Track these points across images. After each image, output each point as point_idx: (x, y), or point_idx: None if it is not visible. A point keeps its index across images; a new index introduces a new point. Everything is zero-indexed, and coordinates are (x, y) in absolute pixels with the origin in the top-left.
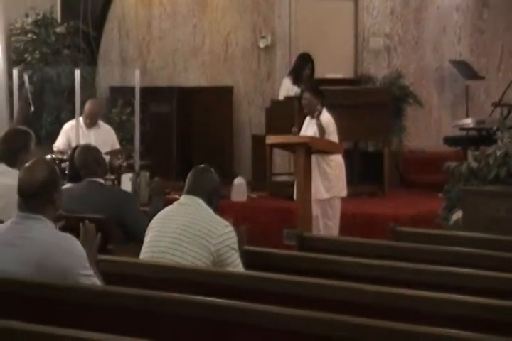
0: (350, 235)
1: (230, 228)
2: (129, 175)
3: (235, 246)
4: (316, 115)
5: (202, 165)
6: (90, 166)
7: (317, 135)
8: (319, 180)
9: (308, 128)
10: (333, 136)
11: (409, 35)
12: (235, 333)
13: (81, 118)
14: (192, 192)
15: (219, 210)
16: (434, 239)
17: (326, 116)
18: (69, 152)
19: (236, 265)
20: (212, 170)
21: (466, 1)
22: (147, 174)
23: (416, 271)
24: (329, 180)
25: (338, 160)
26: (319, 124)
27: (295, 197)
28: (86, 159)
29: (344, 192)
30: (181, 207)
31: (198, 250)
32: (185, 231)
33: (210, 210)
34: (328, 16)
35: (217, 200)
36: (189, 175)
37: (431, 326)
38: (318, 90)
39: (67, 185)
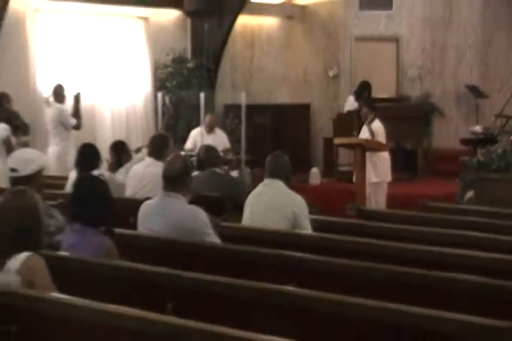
0: (394, 209)
1: (302, 200)
2: (236, 171)
3: (307, 213)
4: (367, 123)
5: (276, 152)
6: (211, 160)
7: (370, 137)
8: (371, 169)
9: (365, 133)
10: (381, 138)
11: (436, 67)
12: (311, 277)
13: (203, 127)
14: (272, 175)
15: (294, 187)
16: (453, 211)
17: (377, 124)
18: (196, 150)
19: (308, 228)
20: (285, 156)
21: (475, 43)
22: (248, 169)
23: (441, 234)
24: (377, 169)
25: (385, 155)
26: (370, 129)
27: (354, 181)
28: (209, 155)
29: (389, 178)
30: (266, 187)
31: (280, 218)
32: (270, 205)
33: (287, 188)
34: (378, 53)
35: (290, 179)
36: (267, 161)
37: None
38: (371, 105)
39: (195, 173)
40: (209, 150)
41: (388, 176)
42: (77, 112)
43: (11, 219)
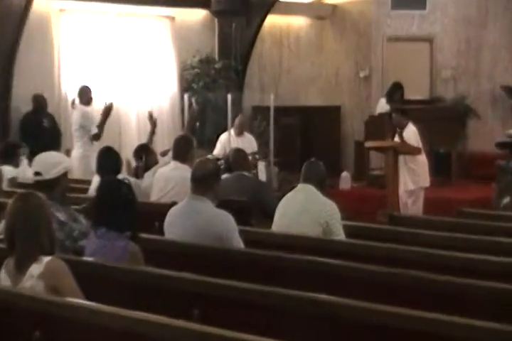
0: (428, 214)
1: (335, 206)
2: (264, 163)
3: (339, 219)
4: (398, 132)
5: (312, 159)
6: (240, 163)
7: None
8: (407, 175)
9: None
10: (416, 143)
11: (471, 67)
12: (341, 284)
13: (232, 129)
14: (306, 180)
15: (327, 193)
16: (489, 217)
17: (411, 129)
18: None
19: (340, 234)
20: (321, 163)
21: None
22: (276, 169)
23: (476, 241)
24: (415, 175)
25: (422, 159)
26: (400, 133)
27: (386, 185)
28: (238, 158)
29: (427, 183)
30: (298, 192)
31: (312, 224)
32: (302, 211)
33: (320, 194)
34: (411, 54)
35: (325, 186)
36: (303, 167)
37: (484, 280)
38: (403, 111)
39: (223, 176)
40: (238, 153)
41: (427, 181)
42: (102, 123)
43: (16, 222)
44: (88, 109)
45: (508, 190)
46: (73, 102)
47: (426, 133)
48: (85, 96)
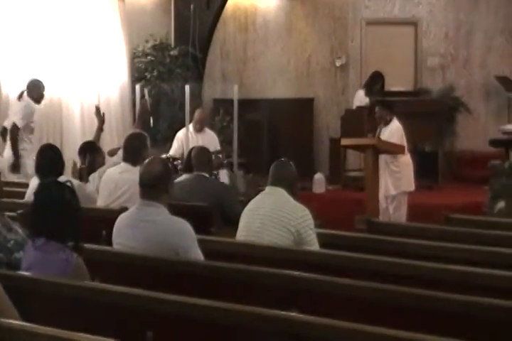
0: (411, 221)
1: (307, 212)
2: (225, 171)
3: (312, 227)
4: (383, 125)
5: (282, 159)
6: (203, 163)
7: (388, 140)
8: (388, 178)
9: (381, 135)
10: (400, 141)
11: (460, 55)
12: (314, 300)
13: (191, 125)
14: (275, 183)
15: (298, 197)
16: (481, 224)
17: (395, 125)
18: (185, 153)
19: (313, 243)
20: (291, 163)
21: (508, 26)
22: (241, 172)
23: (465, 250)
24: (397, 178)
25: (404, 160)
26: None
27: (365, 188)
28: (202, 158)
29: (411, 188)
30: (267, 196)
31: (281, 232)
32: (271, 217)
33: (290, 198)
34: (393, 39)
35: (296, 189)
36: (271, 168)
37: (474, 296)
38: (387, 104)
39: (180, 178)
40: (202, 152)
41: (411, 186)
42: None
43: None
44: (36, 106)
45: (503, 194)
46: (21, 95)
47: (408, 130)
48: (36, 91)
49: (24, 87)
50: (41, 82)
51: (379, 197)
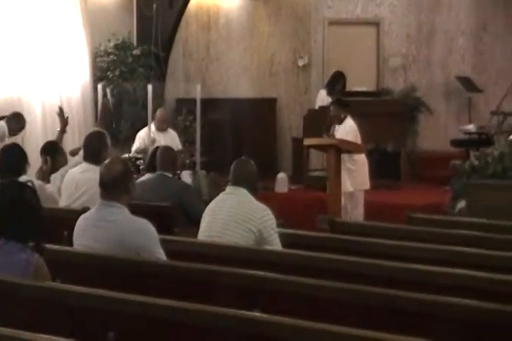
0: (373, 220)
1: (269, 212)
2: (188, 171)
3: (274, 226)
4: (333, 127)
5: (242, 158)
6: (167, 163)
7: (342, 138)
8: (345, 177)
9: (336, 133)
10: (355, 139)
11: (422, 55)
12: (277, 300)
13: (153, 124)
14: (236, 183)
15: (260, 197)
16: (442, 223)
17: (348, 123)
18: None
19: (275, 243)
20: (251, 161)
21: (469, 27)
22: (204, 172)
23: (427, 250)
24: (353, 176)
25: (360, 158)
26: (331, 129)
27: (327, 188)
28: (166, 157)
29: (367, 186)
30: (228, 196)
31: (243, 232)
32: (233, 217)
33: (252, 198)
34: (355, 40)
35: (257, 188)
36: (232, 168)
37: (437, 295)
38: (342, 102)
39: (143, 177)
40: (167, 152)
41: (366, 184)
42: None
43: None
44: (7, 133)
45: (464, 194)
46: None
47: (370, 130)
48: (14, 125)
49: (7, 113)
50: (23, 119)
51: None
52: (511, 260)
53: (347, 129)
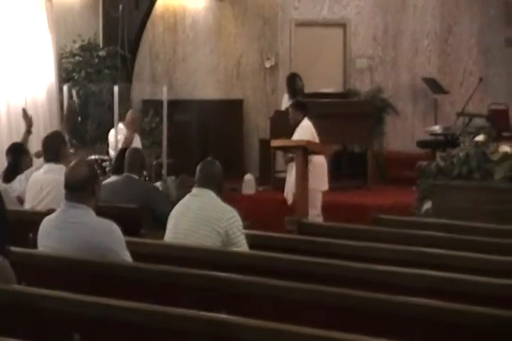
0: (340, 222)
1: (235, 213)
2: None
3: (241, 228)
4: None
5: (208, 159)
6: (135, 164)
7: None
8: None
9: (295, 135)
10: (307, 138)
11: (388, 56)
12: (244, 302)
13: (121, 125)
14: (202, 184)
15: (225, 198)
16: (408, 224)
17: (305, 124)
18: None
19: (242, 245)
20: (217, 162)
21: (434, 28)
22: (173, 177)
23: (393, 251)
24: (312, 176)
25: (318, 160)
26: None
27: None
28: (134, 159)
29: (325, 187)
30: (194, 198)
31: (210, 233)
32: (199, 218)
33: (218, 199)
34: (322, 41)
35: (222, 189)
36: (198, 169)
37: (404, 296)
38: (298, 104)
39: (110, 179)
40: (135, 154)
41: (324, 185)
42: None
43: None
44: None
45: (430, 195)
46: None
47: (337, 131)
48: None
49: None
50: None
51: (292, 194)
52: (475, 261)
53: (302, 129)
